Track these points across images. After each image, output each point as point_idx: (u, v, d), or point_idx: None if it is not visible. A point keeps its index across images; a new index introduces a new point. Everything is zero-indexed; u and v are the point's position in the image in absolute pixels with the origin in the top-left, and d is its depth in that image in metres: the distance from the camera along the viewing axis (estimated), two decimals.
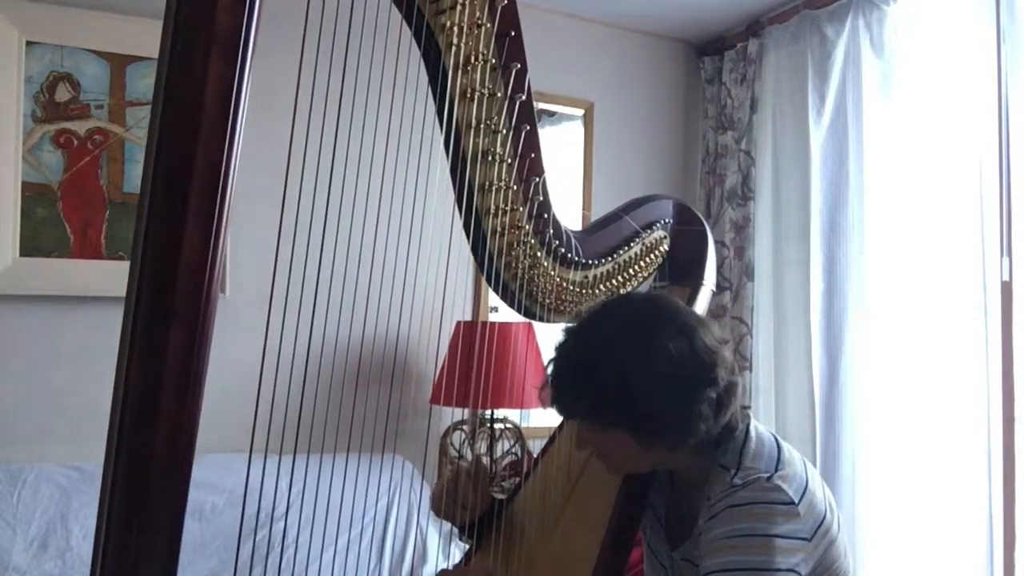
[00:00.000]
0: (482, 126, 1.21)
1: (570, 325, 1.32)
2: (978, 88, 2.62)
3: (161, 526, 0.79)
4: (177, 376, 0.78)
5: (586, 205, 3.59)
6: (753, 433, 1.24)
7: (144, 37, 2.75)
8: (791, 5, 3.33)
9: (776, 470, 1.17)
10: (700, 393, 1.16)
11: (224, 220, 0.79)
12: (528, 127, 1.24)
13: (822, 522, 1.15)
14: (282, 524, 2.50)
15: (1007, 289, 2.54)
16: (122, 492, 0.77)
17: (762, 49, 3.47)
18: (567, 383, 1.21)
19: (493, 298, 3.30)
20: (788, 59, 3.36)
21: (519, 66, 1.20)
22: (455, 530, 2.81)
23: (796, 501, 1.13)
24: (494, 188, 1.25)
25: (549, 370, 1.24)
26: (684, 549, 1.26)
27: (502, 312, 3.22)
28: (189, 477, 0.81)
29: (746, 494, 1.14)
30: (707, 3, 3.42)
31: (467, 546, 2.77)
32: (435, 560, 2.70)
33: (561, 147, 3.55)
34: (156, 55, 2.64)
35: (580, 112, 3.61)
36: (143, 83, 2.79)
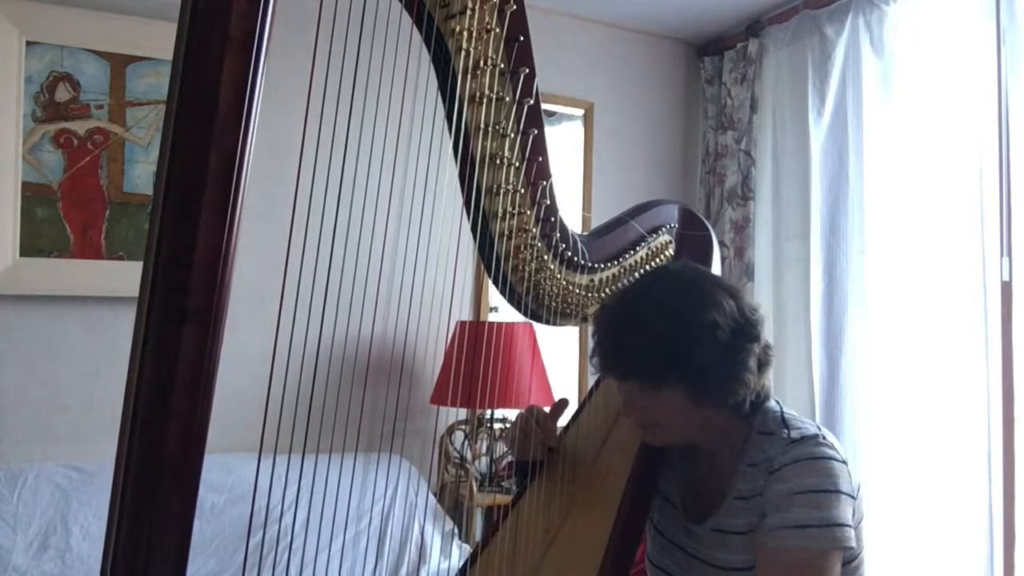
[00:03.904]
0: (490, 130, 1.21)
1: (616, 292, 1.37)
2: (978, 88, 2.63)
3: (172, 524, 0.79)
4: (190, 374, 0.78)
5: (586, 206, 3.59)
6: (783, 405, 1.30)
7: (144, 37, 2.76)
8: (791, 5, 3.34)
9: (821, 431, 1.24)
10: (750, 347, 1.21)
11: (238, 218, 0.79)
12: (536, 131, 1.24)
13: (858, 489, 1.22)
14: (282, 525, 2.50)
15: (1007, 289, 2.54)
16: (134, 489, 0.77)
17: (762, 49, 3.47)
18: (627, 339, 1.22)
19: (493, 298, 3.31)
20: (788, 59, 3.37)
21: (527, 71, 1.20)
22: (455, 530, 2.84)
23: (846, 460, 1.20)
24: (502, 191, 1.25)
25: (601, 333, 1.26)
26: (715, 520, 1.27)
27: (502, 312, 3.22)
28: (200, 475, 0.81)
29: (808, 449, 1.19)
30: (707, 3, 3.43)
31: (467, 546, 2.79)
32: (435, 560, 2.70)
33: (561, 147, 3.55)
34: (156, 55, 2.65)
35: (580, 112, 3.61)
36: (143, 83, 2.79)
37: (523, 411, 1.46)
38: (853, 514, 1.17)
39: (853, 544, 1.14)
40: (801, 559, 1.13)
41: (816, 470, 1.16)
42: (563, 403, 1.48)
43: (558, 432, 1.47)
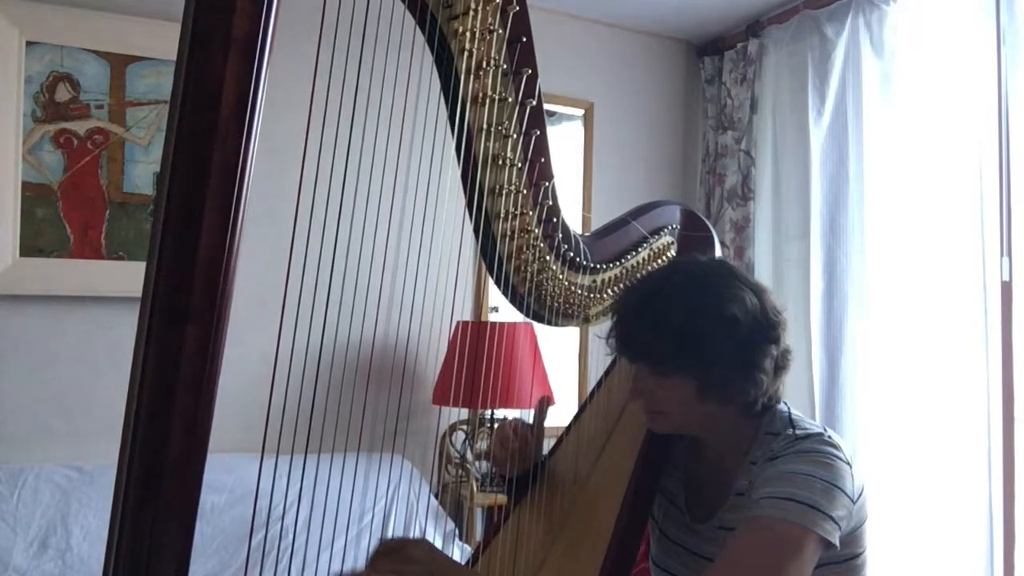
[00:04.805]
0: (493, 130, 1.21)
1: (642, 277, 1.38)
2: (978, 88, 2.63)
3: (174, 525, 0.79)
4: (192, 374, 0.78)
5: (586, 206, 3.59)
6: (793, 409, 1.29)
7: (144, 37, 2.76)
8: (791, 5, 3.33)
9: (827, 431, 1.22)
10: (766, 348, 1.21)
11: (240, 220, 0.79)
12: (538, 132, 1.24)
13: (862, 491, 1.19)
14: (283, 525, 2.50)
15: (1007, 289, 2.54)
16: (136, 490, 0.77)
17: (762, 49, 3.47)
18: (644, 323, 1.22)
19: (493, 298, 3.30)
20: (788, 59, 3.36)
21: (530, 71, 1.20)
22: (456, 530, 2.84)
23: (850, 462, 1.17)
24: (504, 192, 1.25)
25: (620, 313, 1.27)
26: (718, 518, 1.26)
27: (503, 312, 3.22)
28: (202, 475, 0.81)
29: (811, 444, 1.18)
30: (707, 3, 3.43)
31: (467, 546, 2.79)
32: None
33: (561, 147, 3.54)
34: (156, 55, 2.64)
35: (580, 112, 3.61)
36: (143, 83, 2.79)
37: (502, 423, 1.46)
38: (849, 516, 1.13)
39: (836, 543, 1.10)
40: (778, 529, 1.08)
41: (816, 462, 1.14)
42: (544, 403, 1.47)
43: (543, 439, 1.46)
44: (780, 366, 1.24)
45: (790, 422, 1.24)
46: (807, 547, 1.08)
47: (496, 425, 1.45)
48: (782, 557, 1.07)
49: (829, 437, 1.20)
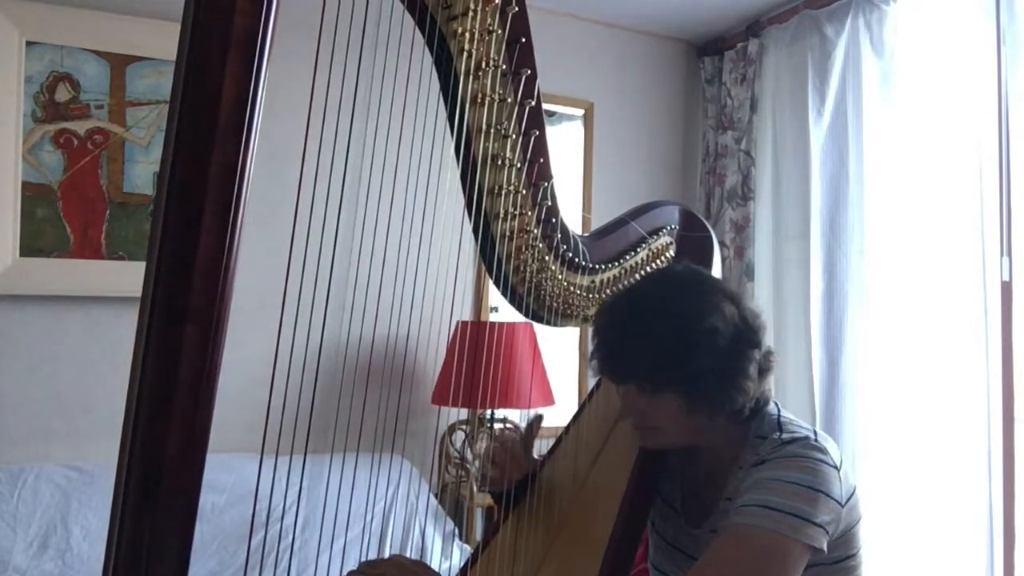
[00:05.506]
0: (492, 131, 1.22)
1: (616, 293, 1.36)
2: (978, 88, 2.63)
3: (174, 524, 0.79)
4: (191, 374, 0.78)
5: (586, 206, 3.59)
6: (783, 410, 1.28)
7: (144, 37, 2.76)
8: (791, 5, 3.34)
9: (816, 435, 1.21)
10: (749, 353, 1.20)
11: (239, 221, 0.79)
12: (537, 132, 1.24)
13: (852, 494, 1.18)
14: (283, 525, 2.50)
15: (1007, 289, 2.54)
16: (135, 489, 0.78)
17: (762, 49, 3.47)
18: (626, 342, 1.22)
19: (493, 298, 3.30)
20: (788, 59, 3.37)
21: (529, 72, 1.20)
22: (456, 530, 2.84)
23: (837, 465, 1.16)
24: (503, 192, 1.25)
25: (600, 334, 1.26)
26: (711, 522, 1.26)
27: (502, 312, 3.22)
28: (201, 475, 0.81)
29: (795, 449, 1.17)
30: (707, 3, 3.43)
31: (467, 546, 2.79)
32: (436, 561, 2.70)
33: (561, 147, 3.54)
34: (156, 55, 2.64)
35: (580, 112, 3.61)
36: (143, 83, 2.79)
37: (493, 441, 1.46)
38: (837, 520, 1.13)
39: (823, 547, 1.09)
40: (762, 540, 1.08)
41: (800, 467, 1.13)
42: (538, 420, 1.47)
43: (535, 454, 1.47)
44: (764, 368, 1.24)
45: (778, 425, 1.24)
46: (790, 555, 1.08)
47: (488, 440, 1.45)
48: (760, 566, 1.08)
49: (816, 441, 1.18)
